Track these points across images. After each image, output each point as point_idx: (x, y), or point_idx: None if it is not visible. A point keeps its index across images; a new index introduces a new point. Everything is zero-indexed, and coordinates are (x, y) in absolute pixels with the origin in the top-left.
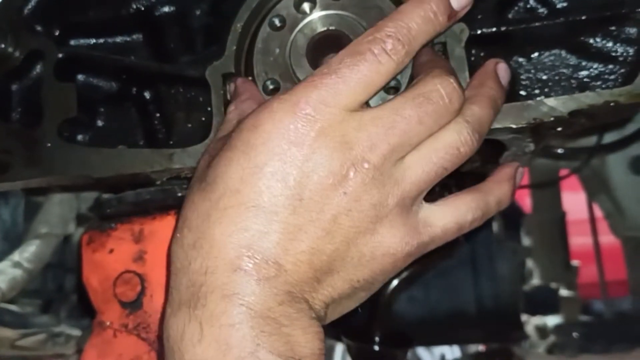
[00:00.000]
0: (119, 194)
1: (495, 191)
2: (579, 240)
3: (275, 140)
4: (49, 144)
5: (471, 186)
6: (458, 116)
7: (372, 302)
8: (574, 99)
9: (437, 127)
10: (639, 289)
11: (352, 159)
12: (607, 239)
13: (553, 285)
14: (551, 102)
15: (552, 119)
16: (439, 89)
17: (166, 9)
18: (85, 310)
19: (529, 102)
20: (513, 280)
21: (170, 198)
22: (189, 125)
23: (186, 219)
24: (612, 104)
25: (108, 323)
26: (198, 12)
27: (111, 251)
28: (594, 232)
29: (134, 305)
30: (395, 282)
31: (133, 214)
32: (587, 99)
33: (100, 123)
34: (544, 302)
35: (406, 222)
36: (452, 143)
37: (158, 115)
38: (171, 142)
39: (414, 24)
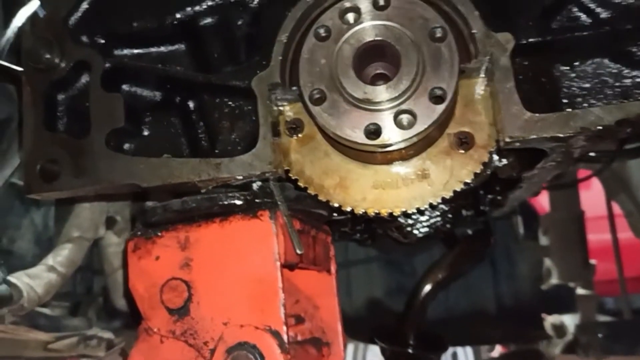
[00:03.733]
0: (164, 202)
1: None
2: (595, 236)
3: None
4: (97, 154)
5: (504, 191)
6: None
7: (406, 304)
8: (621, 108)
9: None
10: None
11: None
12: (625, 235)
13: (571, 284)
14: (598, 111)
15: (599, 127)
16: None
17: (209, 19)
18: (111, 314)
19: (576, 111)
20: (532, 279)
21: (215, 206)
22: (234, 134)
23: None
24: None
25: (155, 329)
26: (240, 22)
27: (157, 258)
28: (613, 229)
29: (181, 311)
30: (429, 287)
31: (178, 222)
32: (634, 107)
33: (146, 132)
34: (561, 301)
35: None
36: None
37: (202, 124)
38: (216, 151)
39: None
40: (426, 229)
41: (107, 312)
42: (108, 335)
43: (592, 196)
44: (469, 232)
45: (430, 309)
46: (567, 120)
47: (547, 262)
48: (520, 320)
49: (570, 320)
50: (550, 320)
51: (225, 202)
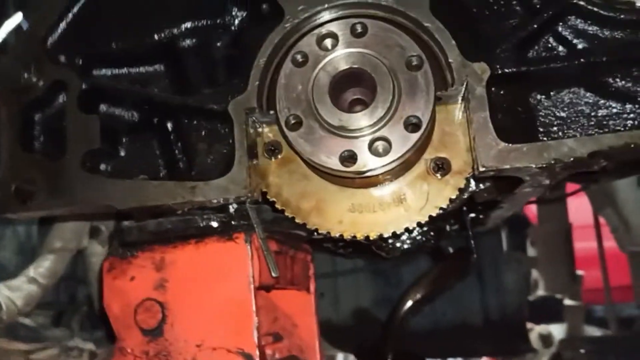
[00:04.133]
0: (140, 222)
1: None
2: (584, 244)
3: None
4: (73, 175)
5: (485, 210)
6: None
7: (386, 321)
8: (594, 140)
9: None
10: None
11: None
12: (612, 244)
13: (558, 295)
14: (571, 142)
15: (571, 159)
16: None
17: (188, 40)
18: (94, 323)
19: (549, 142)
20: (519, 290)
21: (191, 227)
22: (211, 156)
23: None
24: (632, 146)
25: (129, 350)
26: (219, 44)
27: (132, 278)
28: (599, 239)
29: (154, 332)
30: (409, 303)
31: (154, 242)
32: (607, 140)
33: (122, 153)
34: (549, 312)
35: None
36: None
37: (179, 145)
38: (193, 173)
39: None
40: (408, 246)
41: (90, 322)
42: (89, 346)
43: (581, 205)
44: (450, 250)
45: (417, 322)
46: (541, 151)
47: (535, 273)
48: (508, 332)
49: (557, 330)
50: (537, 329)
51: (201, 224)
